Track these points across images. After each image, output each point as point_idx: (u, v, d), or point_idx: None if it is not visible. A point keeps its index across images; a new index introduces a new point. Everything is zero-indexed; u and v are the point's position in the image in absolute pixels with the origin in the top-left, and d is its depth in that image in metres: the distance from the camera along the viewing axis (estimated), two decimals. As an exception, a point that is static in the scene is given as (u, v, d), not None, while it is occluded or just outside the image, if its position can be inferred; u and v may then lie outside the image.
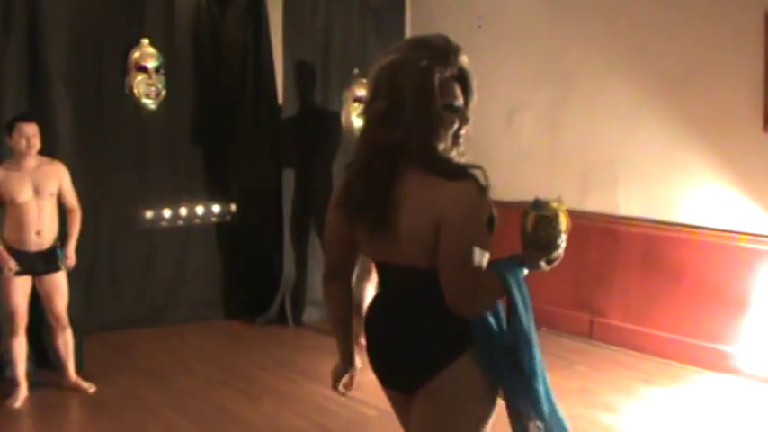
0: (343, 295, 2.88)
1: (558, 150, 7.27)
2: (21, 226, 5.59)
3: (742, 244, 6.11)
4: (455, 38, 2.60)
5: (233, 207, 8.02)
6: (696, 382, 6.08)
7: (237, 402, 5.83)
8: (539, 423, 2.63)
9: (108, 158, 7.28)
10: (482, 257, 2.48)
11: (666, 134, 6.53)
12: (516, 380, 2.60)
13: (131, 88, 7.33)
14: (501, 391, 2.61)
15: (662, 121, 6.54)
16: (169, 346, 7.08)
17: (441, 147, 2.52)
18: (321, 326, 7.62)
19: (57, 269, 5.75)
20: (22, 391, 5.74)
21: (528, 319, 2.61)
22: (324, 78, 7.94)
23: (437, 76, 2.48)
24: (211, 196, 7.90)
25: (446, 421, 2.60)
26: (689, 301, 6.39)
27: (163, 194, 7.64)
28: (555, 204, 2.63)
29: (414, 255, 2.53)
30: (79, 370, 6.04)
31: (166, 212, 7.68)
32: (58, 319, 5.81)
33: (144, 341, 7.17)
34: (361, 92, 7.99)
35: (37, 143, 5.60)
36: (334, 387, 2.99)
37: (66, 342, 5.89)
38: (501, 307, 2.65)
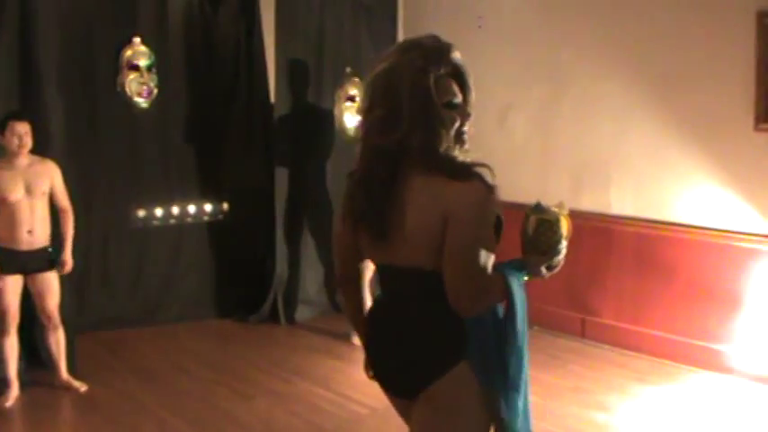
0: (358, 298, 2.92)
1: (551, 150, 7.27)
2: (12, 225, 5.57)
3: (734, 243, 6.12)
4: (448, 37, 2.59)
5: (225, 206, 8.00)
6: (689, 381, 6.09)
7: (231, 402, 5.82)
8: None
9: (100, 157, 7.26)
10: (487, 258, 2.46)
11: (659, 134, 6.54)
12: (501, 385, 2.59)
13: (123, 87, 7.31)
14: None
15: (654, 121, 6.55)
16: (161, 345, 7.06)
17: (443, 146, 2.50)
18: (314, 324, 7.63)
19: (48, 268, 5.74)
20: (14, 390, 5.72)
21: (523, 327, 2.60)
22: (316, 77, 7.93)
23: (432, 75, 2.48)
24: (204, 195, 7.89)
25: (444, 429, 2.59)
26: (682, 299, 6.40)
27: (155, 193, 7.62)
28: (556, 209, 2.62)
29: (418, 256, 2.52)
30: (71, 369, 6.03)
31: (158, 211, 7.66)
32: (49, 318, 5.79)
33: (136, 340, 7.15)
34: (354, 91, 8.02)
35: (29, 142, 5.59)
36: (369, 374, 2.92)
37: (57, 341, 5.88)
38: (501, 309, 2.64)
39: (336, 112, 8.00)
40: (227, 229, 7.97)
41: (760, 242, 5.99)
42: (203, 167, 7.85)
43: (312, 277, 8.00)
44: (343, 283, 2.91)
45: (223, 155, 7.89)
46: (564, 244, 2.61)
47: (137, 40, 7.33)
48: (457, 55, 2.55)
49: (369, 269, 2.90)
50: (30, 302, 5.79)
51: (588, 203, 6.94)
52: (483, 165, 2.50)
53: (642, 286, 6.64)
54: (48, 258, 5.75)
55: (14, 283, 5.63)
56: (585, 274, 6.95)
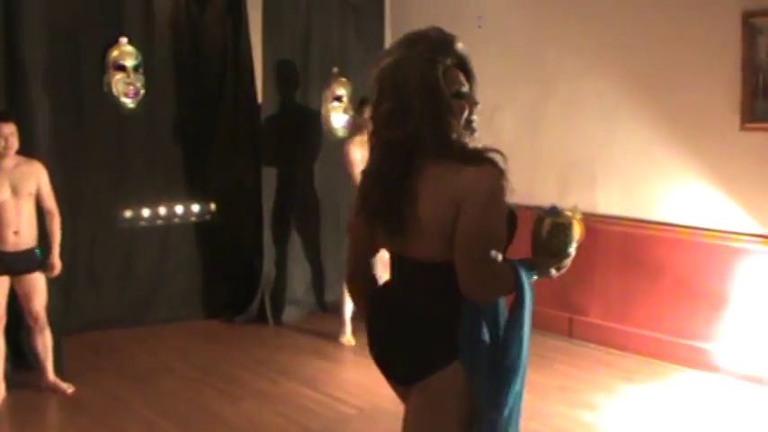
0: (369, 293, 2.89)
1: (538, 149, 7.28)
2: (-1, 225, 5.56)
3: (720, 242, 6.14)
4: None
5: (212, 206, 7.98)
6: (676, 380, 6.11)
7: (218, 402, 5.81)
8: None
9: (86, 157, 7.23)
10: (499, 244, 2.51)
11: (645, 133, 6.56)
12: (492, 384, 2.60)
13: (110, 87, 7.28)
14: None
15: (641, 121, 6.57)
16: (149, 346, 7.04)
17: (454, 135, 2.54)
18: (301, 325, 7.63)
19: (35, 269, 5.72)
20: (0, 391, 5.70)
21: (528, 327, 2.67)
22: (304, 77, 7.93)
23: (440, 66, 2.52)
24: (191, 195, 7.87)
25: (431, 420, 2.62)
26: (668, 298, 6.42)
27: (142, 194, 7.60)
28: (570, 212, 2.66)
29: (431, 247, 2.55)
30: (58, 370, 6.00)
31: (145, 212, 7.64)
32: (36, 319, 5.77)
33: (123, 341, 7.13)
34: (341, 91, 8.02)
35: (15, 143, 5.56)
36: None
37: (44, 342, 5.86)
38: (502, 310, 2.66)
39: (324, 112, 7.99)
40: (214, 229, 7.95)
41: (746, 241, 6.02)
42: (190, 167, 7.83)
43: (299, 277, 7.99)
44: (353, 278, 2.92)
45: (210, 155, 7.87)
46: (574, 246, 2.65)
47: (123, 40, 7.30)
48: (461, 45, 2.59)
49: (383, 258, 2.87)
50: (16, 304, 5.76)
51: (575, 203, 6.93)
52: (495, 150, 2.54)
53: (629, 285, 6.65)
54: (34, 259, 5.72)
55: (1, 285, 5.60)
56: (572, 274, 6.86)
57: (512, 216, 2.55)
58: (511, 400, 2.61)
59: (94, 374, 6.29)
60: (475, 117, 2.61)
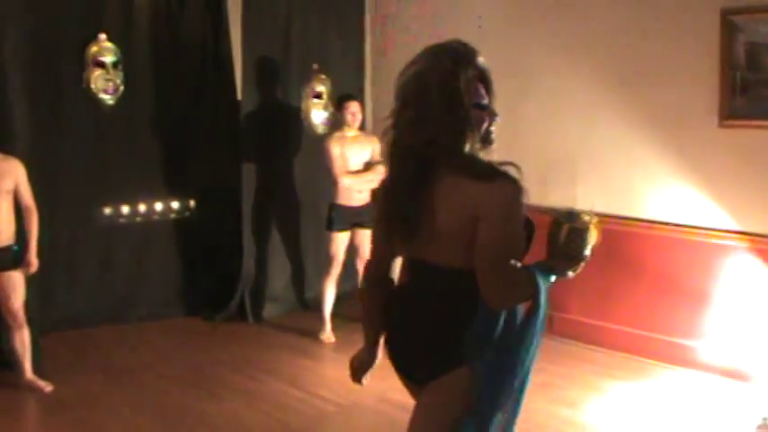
0: (383, 298, 2.92)
1: (518, 146, 7.23)
2: (-24, 223, 5.52)
3: (700, 239, 6.16)
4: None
5: (192, 203, 7.95)
6: (657, 377, 6.13)
7: (198, 400, 5.78)
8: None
9: (65, 154, 7.18)
10: (518, 254, 2.60)
11: (625, 131, 6.56)
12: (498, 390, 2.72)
13: (89, 84, 7.23)
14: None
15: (620, 118, 6.58)
16: (128, 344, 7.01)
17: (467, 147, 2.61)
18: (281, 322, 7.61)
19: (12, 267, 5.68)
20: (-22, 390, 5.68)
21: (540, 332, 2.76)
22: (284, 74, 7.91)
23: (462, 77, 2.59)
24: (170, 192, 7.83)
25: (441, 417, 2.71)
26: (649, 295, 6.44)
27: (121, 191, 7.55)
28: (587, 217, 2.70)
29: (448, 254, 2.63)
30: (36, 369, 5.96)
31: (125, 209, 7.59)
32: (14, 317, 5.73)
33: (102, 339, 7.10)
34: (321, 87, 8.01)
35: (-8, 140, 5.54)
36: (358, 379, 3.09)
37: (22, 340, 5.82)
38: (519, 315, 2.74)
39: (304, 108, 7.97)
40: (194, 226, 7.92)
41: (726, 238, 6.03)
42: (170, 164, 7.79)
43: (279, 275, 7.97)
44: (372, 285, 2.96)
45: (190, 152, 7.84)
46: (590, 249, 2.74)
47: (102, 36, 7.25)
48: (482, 59, 2.68)
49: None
50: (-6, 302, 5.73)
51: (555, 200, 6.91)
52: (510, 164, 2.63)
53: (610, 282, 6.66)
54: (12, 257, 5.69)
55: (-22, 282, 5.58)
56: (553, 271, 6.94)
57: (529, 225, 2.64)
58: (515, 401, 2.77)
59: (73, 373, 6.26)
60: (493, 129, 2.70)
